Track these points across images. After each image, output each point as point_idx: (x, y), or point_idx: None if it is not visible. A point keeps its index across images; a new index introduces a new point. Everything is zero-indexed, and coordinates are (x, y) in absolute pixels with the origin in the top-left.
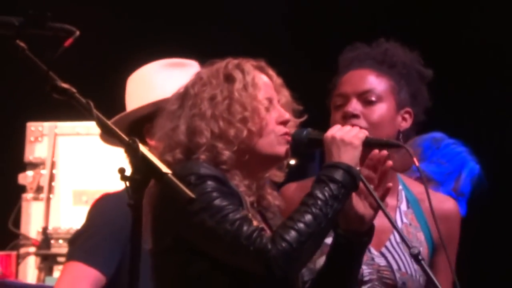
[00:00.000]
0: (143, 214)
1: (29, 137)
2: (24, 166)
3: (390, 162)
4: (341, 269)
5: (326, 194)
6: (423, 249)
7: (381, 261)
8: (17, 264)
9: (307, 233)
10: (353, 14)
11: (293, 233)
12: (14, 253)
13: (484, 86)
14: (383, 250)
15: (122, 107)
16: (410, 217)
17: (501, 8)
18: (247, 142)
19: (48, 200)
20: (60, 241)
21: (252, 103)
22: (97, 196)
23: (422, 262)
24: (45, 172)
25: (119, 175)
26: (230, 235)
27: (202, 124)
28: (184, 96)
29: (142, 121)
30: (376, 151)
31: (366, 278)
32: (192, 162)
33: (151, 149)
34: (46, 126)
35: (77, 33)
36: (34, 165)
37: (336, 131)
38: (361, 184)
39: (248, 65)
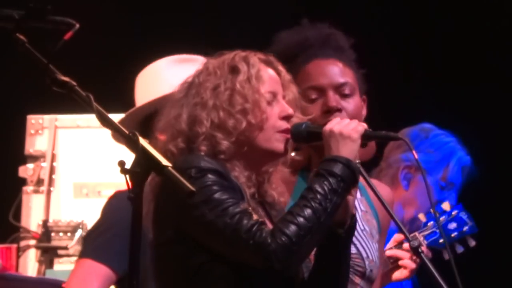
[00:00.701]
0: (145, 205)
1: (30, 130)
2: (24, 159)
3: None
4: (328, 262)
5: (326, 188)
6: (376, 234)
7: (352, 249)
8: (18, 257)
9: (307, 227)
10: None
11: (292, 227)
12: (14, 246)
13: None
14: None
15: (129, 102)
16: (364, 203)
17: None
18: (246, 134)
19: (48, 193)
20: (61, 234)
21: (254, 95)
22: (98, 189)
23: (422, 254)
24: (45, 165)
25: (119, 168)
26: (230, 228)
27: (203, 114)
28: (189, 85)
29: (152, 116)
30: None
31: None
32: (193, 156)
33: (159, 143)
34: (46, 118)
35: (77, 26)
36: (34, 158)
37: (335, 125)
38: None
39: (255, 58)
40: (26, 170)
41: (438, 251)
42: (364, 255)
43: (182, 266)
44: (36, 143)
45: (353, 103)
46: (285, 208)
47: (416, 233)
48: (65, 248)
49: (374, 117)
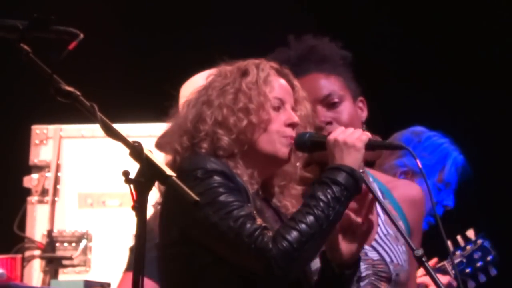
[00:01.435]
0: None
1: (34, 140)
2: (29, 169)
3: (371, 195)
4: None
5: (329, 196)
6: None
7: (374, 255)
8: (22, 267)
9: (309, 234)
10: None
11: (294, 233)
12: (19, 256)
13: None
14: (374, 244)
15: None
16: (388, 207)
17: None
18: (247, 133)
19: (53, 203)
20: (65, 244)
21: (259, 97)
22: (102, 199)
23: (426, 263)
24: (50, 175)
25: (123, 178)
26: (233, 232)
27: (208, 112)
28: (202, 87)
29: None
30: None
31: (363, 274)
32: (199, 157)
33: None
34: (51, 129)
35: (81, 36)
36: (39, 168)
37: (339, 134)
38: (343, 222)
39: (267, 65)
40: (31, 180)
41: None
42: (388, 259)
43: (187, 268)
44: (40, 153)
45: (345, 109)
46: None
47: (445, 263)
48: (70, 258)
49: (369, 120)
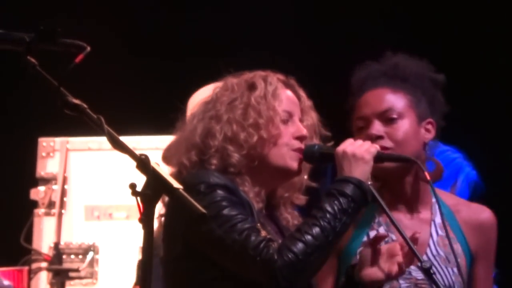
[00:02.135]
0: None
1: (41, 152)
2: (36, 181)
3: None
4: None
5: (336, 207)
6: (461, 260)
7: (418, 275)
8: (29, 279)
9: (314, 246)
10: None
11: (300, 245)
12: (26, 268)
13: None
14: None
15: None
16: (447, 228)
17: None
18: (257, 148)
19: (60, 215)
20: (72, 256)
21: (269, 111)
22: (109, 211)
23: (434, 276)
24: (57, 187)
25: (130, 191)
26: (237, 244)
27: (217, 127)
28: (208, 100)
29: None
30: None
31: None
32: (202, 171)
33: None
34: (57, 141)
35: (88, 48)
36: (46, 181)
37: (348, 146)
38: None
39: (274, 77)
40: (38, 193)
41: None
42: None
43: (192, 282)
44: (47, 165)
45: (402, 127)
46: None
47: None
48: (77, 270)
49: None
